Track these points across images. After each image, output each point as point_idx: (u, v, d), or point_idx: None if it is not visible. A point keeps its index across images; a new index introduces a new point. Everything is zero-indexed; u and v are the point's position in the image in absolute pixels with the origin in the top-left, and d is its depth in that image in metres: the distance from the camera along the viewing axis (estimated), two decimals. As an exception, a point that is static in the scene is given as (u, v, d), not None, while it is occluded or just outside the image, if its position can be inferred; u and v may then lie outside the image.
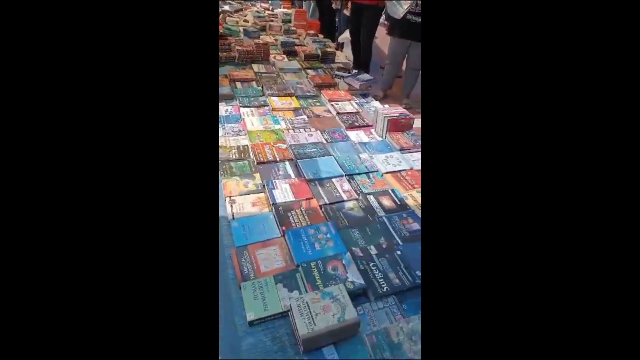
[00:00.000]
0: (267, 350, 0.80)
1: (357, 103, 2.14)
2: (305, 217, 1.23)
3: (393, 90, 2.67)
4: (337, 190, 1.38)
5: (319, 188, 1.39)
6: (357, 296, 0.96)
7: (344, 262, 1.04)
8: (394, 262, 1.06)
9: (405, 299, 0.97)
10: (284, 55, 2.85)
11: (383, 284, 0.98)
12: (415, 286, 1.00)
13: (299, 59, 2.82)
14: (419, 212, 1.30)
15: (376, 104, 2.18)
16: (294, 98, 2.13)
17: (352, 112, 2.02)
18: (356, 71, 2.57)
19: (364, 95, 2.31)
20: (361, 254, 1.08)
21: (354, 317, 0.81)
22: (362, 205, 1.33)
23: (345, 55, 3.18)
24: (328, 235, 1.15)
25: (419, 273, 1.03)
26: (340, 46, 4.09)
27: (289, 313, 0.85)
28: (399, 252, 1.10)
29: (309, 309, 0.81)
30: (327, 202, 1.32)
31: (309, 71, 2.60)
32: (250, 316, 0.85)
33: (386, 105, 2.08)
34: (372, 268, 1.03)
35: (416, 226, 1.23)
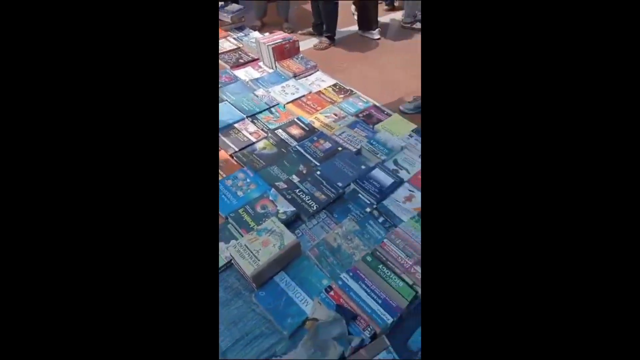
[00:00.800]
0: (223, 300, 0.81)
1: (235, 38, 1.95)
2: (218, 170, 1.17)
3: (269, 17, 2.48)
4: (243, 135, 1.33)
5: (223, 138, 1.31)
6: (292, 222, 1.01)
7: (271, 198, 1.06)
8: (317, 182, 1.12)
9: (334, 210, 1.06)
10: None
11: (312, 203, 1.05)
12: (339, 195, 1.09)
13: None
14: (326, 131, 1.36)
15: (256, 34, 2.02)
16: (161, 48, 1.83)
17: (232, 50, 1.85)
18: (222, 3, 2.28)
19: (240, 29, 2.11)
20: (285, 186, 1.10)
21: (292, 241, 0.86)
22: (273, 141, 1.32)
23: (205, -14, 2.75)
24: (248, 180, 1.13)
25: (340, 184, 1.12)
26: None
27: (232, 261, 0.85)
28: (318, 172, 1.16)
29: (249, 249, 0.83)
30: (236, 149, 1.27)
31: (168, 13, 2.21)
32: (195, 280, 0.84)
33: (267, 34, 1.95)
34: (299, 194, 1.08)
35: (327, 145, 1.29)
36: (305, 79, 1.68)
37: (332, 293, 0.79)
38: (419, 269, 0.84)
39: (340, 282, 0.81)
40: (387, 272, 0.83)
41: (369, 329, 0.73)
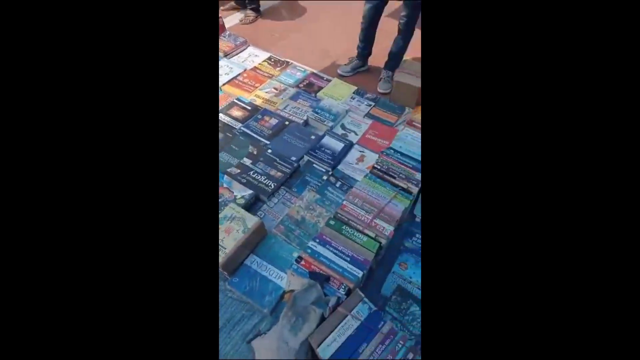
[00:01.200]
0: (197, 296, 0.80)
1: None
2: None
3: None
4: (183, 126, 1.25)
5: (163, 133, 1.23)
6: (253, 205, 1.00)
7: (225, 185, 1.03)
8: (269, 161, 1.11)
9: (292, 184, 1.06)
10: None
11: (269, 183, 1.04)
12: (294, 170, 1.09)
13: None
14: (270, 107, 1.32)
15: (174, 16, 1.85)
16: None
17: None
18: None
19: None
20: (238, 170, 1.08)
21: (256, 222, 0.86)
22: (216, 127, 1.26)
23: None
24: (198, 172, 1.08)
25: (293, 158, 1.12)
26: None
27: (198, 256, 0.84)
28: (269, 150, 1.14)
29: (212, 241, 0.81)
30: (179, 142, 1.20)
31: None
32: (163, 283, 0.81)
33: (186, 14, 1.79)
34: (254, 176, 1.06)
35: (274, 121, 1.26)
36: (237, 56, 1.60)
37: (302, 262, 0.81)
38: (378, 221, 0.89)
39: (309, 251, 0.83)
40: (351, 231, 0.87)
41: (343, 287, 0.77)
